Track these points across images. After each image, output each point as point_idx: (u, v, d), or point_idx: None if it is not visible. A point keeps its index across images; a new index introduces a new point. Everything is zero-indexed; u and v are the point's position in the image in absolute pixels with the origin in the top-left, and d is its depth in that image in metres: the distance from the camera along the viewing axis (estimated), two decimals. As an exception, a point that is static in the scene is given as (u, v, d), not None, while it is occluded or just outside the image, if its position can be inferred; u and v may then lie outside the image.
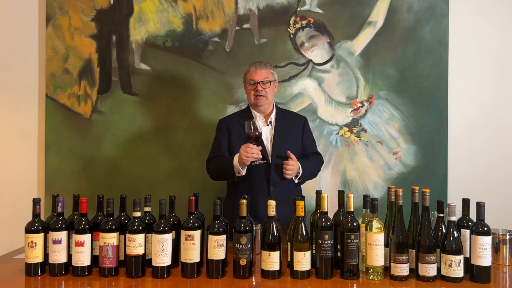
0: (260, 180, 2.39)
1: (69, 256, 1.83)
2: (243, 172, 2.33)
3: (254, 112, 2.51)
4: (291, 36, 3.06)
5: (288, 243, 1.92)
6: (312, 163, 2.50)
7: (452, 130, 3.02)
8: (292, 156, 2.34)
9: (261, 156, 2.26)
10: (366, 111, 3.04)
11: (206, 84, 3.07)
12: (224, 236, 1.80)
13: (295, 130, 2.51)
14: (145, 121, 3.09)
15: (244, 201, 1.83)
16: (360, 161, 3.03)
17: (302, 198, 2.47)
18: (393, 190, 1.88)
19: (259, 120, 2.47)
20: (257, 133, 2.23)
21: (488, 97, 3.05)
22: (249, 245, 1.77)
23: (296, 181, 2.42)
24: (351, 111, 3.04)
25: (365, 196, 1.88)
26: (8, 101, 3.17)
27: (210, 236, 1.78)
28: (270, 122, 2.49)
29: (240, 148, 2.30)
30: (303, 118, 2.60)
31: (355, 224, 1.79)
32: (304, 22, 3.05)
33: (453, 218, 1.77)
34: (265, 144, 2.42)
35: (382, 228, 1.78)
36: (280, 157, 2.38)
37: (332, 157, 3.02)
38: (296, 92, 3.05)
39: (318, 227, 1.79)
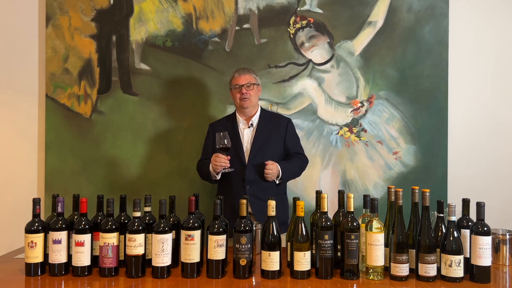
0: (237, 180, 2.53)
1: (69, 256, 1.83)
2: (218, 178, 2.52)
3: (238, 116, 2.63)
4: (291, 36, 3.05)
5: (288, 243, 1.92)
6: (294, 164, 2.59)
7: (452, 130, 3.02)
8: (269, 162, 2.45)
9: (228, 165, 2.43)
10: (366, 111, 3.04)
11: (206, 84, 3.07)
12: (224, 236, 1.80)
13: (277, 131, 2.60)
14: (145, 121, 3.09)
15: (244, 201, 1.83)
16: (360, 161, 3.03)
17: (284, 196, 2.62)
18: (393, 190, 1.88)
19: (241, 123, 2.61)
20: (224, 145, 2.38)
21: (488, 97, 3.05)
22: (249, 245, 1.77)
23: (277, 182, 2.52)
24: (351, 111, 3.04)
25: (365, 196, 1.88)
26: (8, 101, 3.17)
27: (210, 236, 1.78)
28: (252, 124, 2.60)
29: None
30: (286, 120, 2.67)
31: (355, 224, 1.79)
32: (304, 22, 3.05)
33: (453, 218, 1.77)
34: (244, 145, 2.57)
35: (382, 228, 1.78)
36: (256, 166, 2.50)
37: (332, 157, 3.02)
38: (296, 92, 3.05)
39: (318, 227, 1.79)
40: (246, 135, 2.60)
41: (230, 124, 2.62)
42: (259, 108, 2.66)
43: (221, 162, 2.41)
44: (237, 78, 2.57)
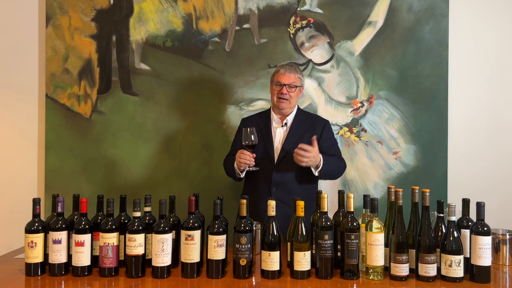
0: (264, 180, 2.42)
1: (69, 256, 1.83)
2: (242, 176, 2.40)
3: (272, 114, 2.52)
4: (291, 36, 3.05)
5: (288, 243, 1.92)
6: (335, 161, 2.41)
7: (452, 130, 3.02)
8: (315, 143, 2.26)
9: (253, 163, 2.29)
10: (366, 111, 3.04)
11: (206, 84, 3.07)
12: (224, 236, 1.80)
13: (312, 133, 2.44)
14: (145, 121, 3.09)
15: (244, 201, 1.83)
16: (360, 161, 3.03)
17: (312, 202, 2.40)
18: (393, 190, 1.88)
19: (274, 121, 2.50)
20: (251, 142, 2.26)
21: (487, 97, 3.05)
22: (249, 245, 1.77)
23: (316, 173, 2.32)
24: (351, 111, 3.04)
25: (365, 196, 1.88)
26: (8, 101, 3.17)
27: (210, 236, 1.79)
28: (285, 123, 2.48)
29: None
30: (324, 122, 2.55)
31: (355, 224, 1.79)
32: (304, 22, 3.05)
33: (453, 218, 1.77)
34: (275, 145, 2.45)
35: (382, 228, 1.78)
36: (285, 167, 2.38)
37: (332, 157, 3.02)
38: (296, 92, 3.05)
39: (318, 227, 1.79)
40: (278, 134, 2.47)
41: (262, 120, 2.50)
42: (297, 107, 2.53)
43: (245, 160, 2.27)
44: (281, 75, 2.41)
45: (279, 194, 2.37)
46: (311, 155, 2.23)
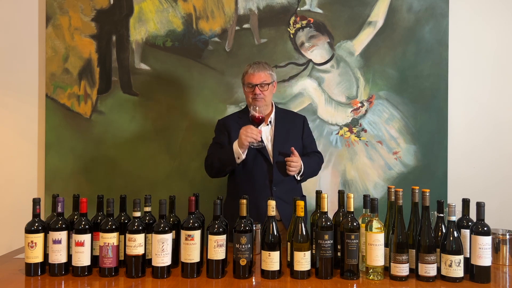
0: (262, 180, 2.40)
1: (69, 256, 1.83)
2: (243, 156, 2.30)
3: None
4: (291, 36, 3.06)
5: (288, 243, 1.92)
6: (313, 161, 2.51)
7: (452, 130, 3.02)
8: (295, 152, 2.33)
9: (260, 138, 2.26)
10: (366, 111, 3.04)
11: (206, 84, 3.07)
12: (224, 236, 1.80)
13: (295, 129, 2.52)
14: (145, 121, 3.09)
15: (244, 201, 1.83)
16: (360, 161, 3.03)
17: (303, 197, 2.52)
18: (393, 190, 1.88)
19: None
20: (261, 116, 2.26)
21: (487, 97, 3.05)
22: (249, 245, 1.77)
23: (298, 178, 2.42)
24: (351, 111, 3.04)
25: (365, 196, 1.88)
26: (8, 101, 3.17)
27: (210, 236, 1.79)
28: (270, 122, 2.49)
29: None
30: (302, 118, 2.61)
31: (355, 224, 1.79)
32: (304, 22, 3.05)
33: (453, 218, 1.77)
34: (265, 144, 2.42)
35: (382, 228, 1.78)
36: (282, 154, 2.38)
37: (332, 157, 3.02)
38: (296, 92, 3.05)
39: (318, 227, 1.79)
40: (265, 132, 2.44)
41: (243, 121, 2.41)
42: (274, 105, 2.55)
43: (252, 134, 2.20)
44: (250, 76, 2.39)
45: (281, 193, 2.37)
46: (298, 164, 2.34)
